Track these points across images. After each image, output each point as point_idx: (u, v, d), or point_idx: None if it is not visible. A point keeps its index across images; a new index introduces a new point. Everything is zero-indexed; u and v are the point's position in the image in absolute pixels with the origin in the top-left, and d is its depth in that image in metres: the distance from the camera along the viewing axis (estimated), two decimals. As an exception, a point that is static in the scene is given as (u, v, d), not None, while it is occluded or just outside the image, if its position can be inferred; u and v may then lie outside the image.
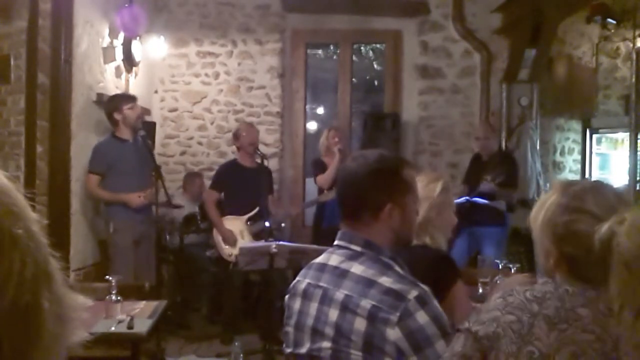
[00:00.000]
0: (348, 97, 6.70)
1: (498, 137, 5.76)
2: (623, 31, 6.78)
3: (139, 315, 2.99)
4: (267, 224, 4.94)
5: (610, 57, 7.03)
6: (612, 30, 6.78)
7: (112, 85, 5.23)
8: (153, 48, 5.92)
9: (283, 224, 5.37)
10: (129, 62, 5.48)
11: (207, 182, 5.77)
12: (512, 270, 2.96)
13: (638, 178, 6.47)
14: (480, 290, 2.86)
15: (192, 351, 4.65)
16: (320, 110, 10.56)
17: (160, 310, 3.16)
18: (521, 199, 5.53)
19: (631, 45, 6.64)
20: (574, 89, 6.61)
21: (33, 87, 4.26)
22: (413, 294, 1.52)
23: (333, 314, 1.60)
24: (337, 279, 1.63)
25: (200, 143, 6.49)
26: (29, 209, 0.59)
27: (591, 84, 6.91)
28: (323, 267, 1.70)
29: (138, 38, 5.53)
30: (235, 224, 5.03)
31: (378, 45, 8.24)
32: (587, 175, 6.99)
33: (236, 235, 5.00)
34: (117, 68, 5.35)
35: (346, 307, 1.58)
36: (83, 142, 4.66)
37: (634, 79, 6.37)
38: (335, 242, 1.72)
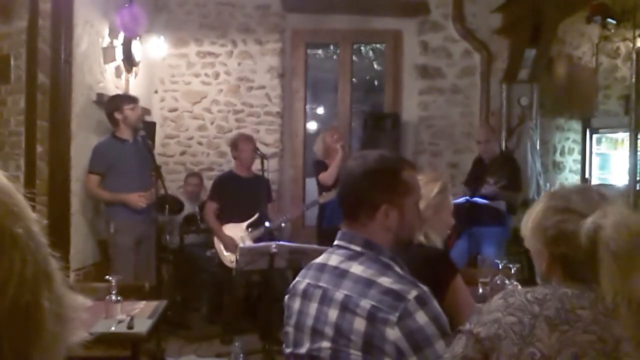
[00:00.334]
0: (348, 97, 6.70)
1: (499, 139, 5.75)
2: (623, 31, 6.78)
3: (139, 315, 2.99)
4: (267, 224, 4.94)
5: (610, 57, 7.03)
6: (612, 30, 6.78)
7: (112, 85, 5.23)
8: (153, 48, 5.92)
9: (283, 224, 5.37)
10: (129, 62, 5.48)
11: (207, 182, 5.77)
12: (512, 271, 2.96)
13: (638, 178, 6.47)
14: (480, 290, 2.86)
15: (192, 351, 4.65)
16: (320, 110, 10.57)
17: (160, 310, 3.16)
18: (521, 199, 5.53)
19: (631, 45, 6.63)
20: (574, 89, 6.62)
21: (33, 87, 4.26)
22: (413, 294, 1.52)
23: (333, 314, 1.60)
24: (337, 279, 1.64)
25: (200, 143, 6.49)
26: (29, 209, 0.59)
27: (591, 84, 6.91)
28: (323, 267, 1.70)
29: (138, 38, 5.53)
30: (235, 231, 5.05)
31: (378, 45, 8.24)
32: (587, 175, 6.99)
33: (237, 241, 5.00)
34: (117, 68, 5.35)
35: (346, 307, 1.58)
36: (83, 142, 4.65)
37: (634, 79, 6.36)
38: (335, 242, 1.73)
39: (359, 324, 1.54)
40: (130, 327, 2.80)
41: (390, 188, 1.66)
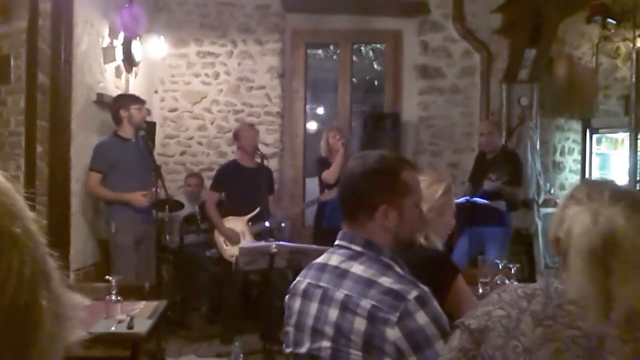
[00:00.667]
0: (348, 97, 6.70)
1: (501, 132, 5.76)
2: (623, 31, 6.78)
3: (139, 315, 2.99)
4: (267, 224, 4.94)
5: (610, 57, 7.03)
6: (612, 30, 6.78)
7: (112, 85, 5.23)
8: (153, 48, 5.92)
9: (283, 224, 5.37)
10: (129, 62, 5.48)
11: (207, 182, 5.77)
12: (512, 271, 2.96)
13: (638, 178, 6.47)
14: (480, 290, 2.86)
15: (192, 351, 4.65)
16: (320, 110, 10.57)
17: (160, 310, 3.15)
18: (522, 197, 5.54)
19: (631, 45, 6.64)
20: (574, 89, 6.62)
21: (33, 87, 4.26)
22: (413, 294, 1.53)
23: (333, 314, 1.60)
24: (337, 278, 1.64)
25: (200, 143, 6.49)
26: (27, 208, 0.59)
27: (591, 84, 6.91)
28: (323, 267, 1.70)
29: (138, 38, 5.53)
30: (236, 224, 5.04)
31: (378, 45, 8.25)
32: (587, 176, 6.99)
33: (238, 234, 5.01)
34: (117, 68, 5.35)
35: (346, 307, 1.58)
36: (83, 142, 4.66)
37: (634, 79, 6.37)
38: (336, 242, 1.73)
39: (359, 324, 1.54)
40: (130, 327, 2.79)
41: (389, 188, 1.66)
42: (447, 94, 6.34)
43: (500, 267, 3.08)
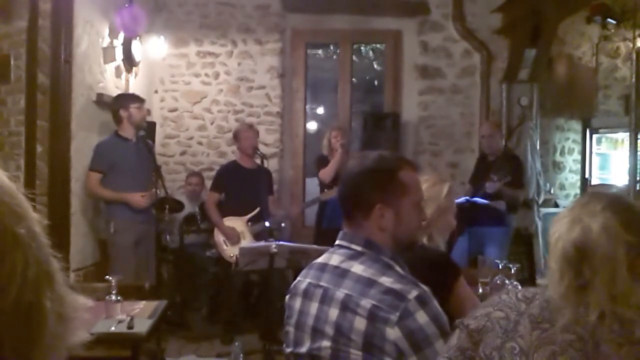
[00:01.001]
0: (348, 97, 6.70)
1: (503, 134, 5.76)
2: (623, 31, 6.79)
3: (139, 315, 2.99)
4: (267, 224, 4.94)
5: (610, 57, 7.03)
6: (612, 30, 6.79)
7: (112, 85, 5.23)
8: (153, 48, 5.92)
9: (283, 224, 5.37)
10: (129, 62, 5.48)
11: (208, 182, 5.77)
12: (512, 271, 2.96)
13: (638, 178, 6.48)
14: (480, 290, 2.86)
15: (192, 351, 4.65)
16: (320, 110, 10.58)
17: (160, 310, 3.16)
18: (523, 197, 5.54)
19: (631, 45, 6.64)
20: (574, 89, 6.62)
21: (33, 87, 4.26)
22: (413, 294, 1.53)
23: (333, 314, 1.60)
24: (338, 278, 1.64)
25: (200, 143, 6.50)
26: (31, 209, 0.59)
27: (591, 84, 6.91)
28: (324, 266, 1.70)
29: (138, 38, 5.53)
30: (236, 224, 5.04)
31: (378, 45, 8.25)
32: (587, 175, 7.00)
33: (238, 233, 5.01)
34: (117, 68, 5.35)
35: (346, 307, 1.58)
36: (83, 142, 4.66)
37: (634, 79, 6.37)
38: (337, 242, 1.73)
39: (360, 324, 1.54)
40: (130, 327, 2.80)
41: (385, 188, 1.66)
42: (447, 94, 6.34)
43: (500, 267, 3.08)
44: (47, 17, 4.29)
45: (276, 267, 4.07)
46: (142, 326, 2.85)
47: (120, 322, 2.84)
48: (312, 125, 9.09)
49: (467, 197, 5.05)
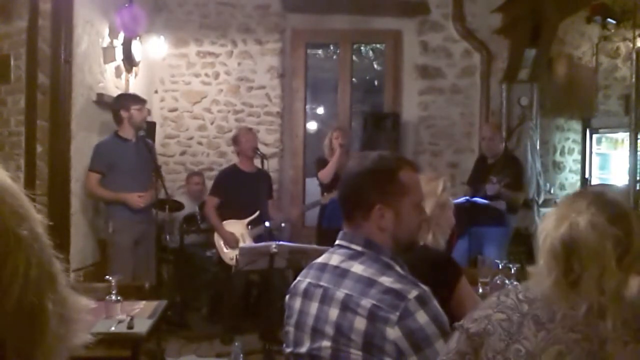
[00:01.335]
0: (348, 97, 6.70)
1: (503, 136, 5.76)
2: (623, 31, 6.79)
3: (139, 315, 2.99)
4: (267, 224, 4.94)
5: (610, 57, 7.03)
6: (612, 30, 6.79)
7: (112, 85, 5.23)
8: (153, 48, 5.92)
9: (283, 224, 5.38)
10: (129, 62, 5.48)
11: (208, 182, 5.77)
12: (512, 271, 2.97)
13: (638, 178, 6.48)
14: (480, 290, 2.86)
15: (192, 351, 4.65)
16: (320, 110, 10.58)
17: (160, 310, 3.15)
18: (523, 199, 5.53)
19: (631, 45, 6.64)
20: (574, 89, 6.62)
21: (33, 87, 4.26)
22: (413, 293, 1.53)
23: (333, 313, 1.60)
24: (338, 278, 1.64)
25: (200, 143, 6.49)
26: (34, 210, 0.59)
27: (591, 84, 6.91)
28: (324, 266, 1.70)
29: (138, 38, 5.53)
30: (235, 227, 5.04)
31: (378, 45, 8.25)
32: (587, 175, 7.00)
33: (237, 237, 5.01)
34: (117, 68, 5.35)
35: (346, 306, 1.58)
36: (83, 142, 4.66)
37: (634, 79, 6.36)
38: (337, 242, 1.73)
39: (360, 323, 1.54)
40: (130, 327, 2.80)
41: (384, 188, 1.66)
42: (447, 94, 6.34)
43: (500, 267, 3.08)
44: (47, 17, 4.29)
45: (276, 267, 4.07)
46: (142, 326, 2.85)
47: (120, 322, 2.84)
48: (312, 125, 9.09)
49: (467, 197, 5.05)
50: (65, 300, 0.59)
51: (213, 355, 4.56)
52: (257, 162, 5.17)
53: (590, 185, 6.92)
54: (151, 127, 5.62)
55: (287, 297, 1.79)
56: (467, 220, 4.91)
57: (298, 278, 1.79)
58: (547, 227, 1.37)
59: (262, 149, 5.47)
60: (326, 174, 5.22)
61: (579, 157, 6.96)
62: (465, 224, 4.92)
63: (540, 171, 6.03)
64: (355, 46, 7.56)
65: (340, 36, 6.66)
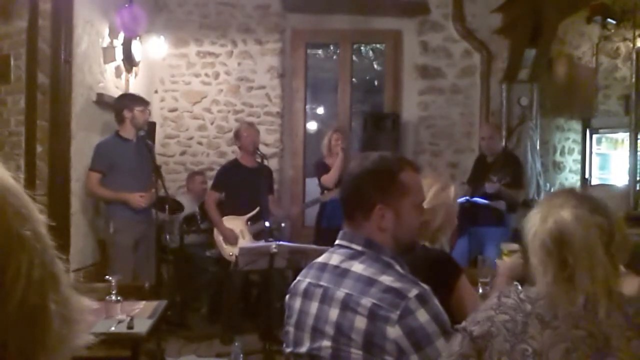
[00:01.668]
0: (348, 97, 6.70)
1: (502, 136, 5.76)
2: (623, 31, 6.79)
3: (139, 315, 2.99)
4: (267, 224, 4.94)
5: (610, 57, 7.03)
6: (612, 30, 6.79)
7: (112, 85, 5.23)
8: (153, 48, 5.92)
9: (283, 224, 5.37)
10: (129, 62, 5.48)
11: (209, 182, 5.77)
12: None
13: (638, 178, 6.48)
14: (480, 290, 2.86)
15: (192, 351, 4.65)
16: (320, 110, 10.58)
17: (160, 310, 3.15)
18: (523, 198, 5.53)
19: (631, 45, 6.65)
20: (574, 89, 6.62)
21: (33, 87, 4.26)
22: (413, 292, 1.53)
23: (333, 313, 1.60)
24: (338, 278, 1.64)
25: (200, 143, 6.49)
26: (37, 210, 0.59)
27: (591, 84, 6.91)
28: (324, 266, 1.70)
29: (138, 38, 5.53)
30: (235, 223, 5.04)
31: (378, 45, 8.25)
32: (587, 175, 7.00)
33: (237, 233, 5.01)
34: (117, 68, 5.35)
35: (347, 306, 1.58)
36: (83, 142, 4.66)
37: (634, 79, 6.37)
38: (337, 242, 1.73)
39: (360, 323, 1.54)
40: (130, 327, 2.80)
41: (385, 188, 1.66)
42: (447, 94, 6.34)
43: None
44: (47, 17, 4.29)
45: (276, 267, 4.08)
46: (142, 326, 2.85)
47: (120, 322, 2.84)
48: (312, 125, 9.08)
49: (467, 197, 5.05)
50: (68, 300, 0.59)
51: (213, 355, 4.56)
52: (258, 160, 5.17)
53: (591, 185, 6.92)
54: (151, 127, 5.62)
55: (287, 297, 1.79)
56: (467, 220, 4.91)
57: (298, 278, 1.79)
58: (534, 225, 1.39)
59: (262, 149, 5.47)
60: (330, 179, 5.22)
61: (579, 157, 6.96)
62: (465, 224, 4.93)
63: (540, 171, 6.03)
64: (355, 46, 7.56)
65: (340, 36, 6.66)
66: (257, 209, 4.97)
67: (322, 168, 5.35)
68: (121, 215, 4.51)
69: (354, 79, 7.39)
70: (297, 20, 6.49)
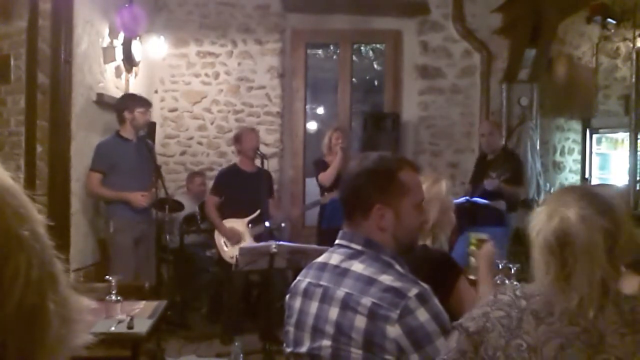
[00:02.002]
0: (348, 97, 6.70)
1: (502, 133, 5.76)
2: (623, 31, 6.79)
3: (139, 315, 2.99)
4: (267, 224, 4.94)
5: (610, 57, 7.03)
6: (612, 30, 6.79)
7: (112, 85, 5.23)
8: (153, 48, 5.92)
9: (283, 224, 5.37)
10: (129, 62, 5.48)
11: (209, 182, 5.77)
12: (512, 271, 2.96)
13: (638, 178, 6.48)
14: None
15: (192, 351, 4.65)
16: (320, 110, 10.58)
17: (160, 310, 3.15)
18: (523, 196, 5.54)
19: (631, 45, 6.64)
20: (574, 89, 6.62)
21: (33, 87, 4.26)
22: (413, 291, 1.53)
23: (333, 313, 1.60)
24: (338, 277, 1.64)
25: (200, 143, 6.49)
26: (35, 210, 0.59)
27: (591, 84, 6.91)
28: (324, 266, 1.70)
29: (138, 38, 5.53)
30: (236, 226, 5.04)
31: (378, 45, 8.26)
32: (587, 175, 7.00)
33: (239, 232, 5.01)
34: (117, 68, 5.35)
35: (347, 305, 1.58)
36: (83, 142, 4.66)
37: (634, 79, 6.37)
38: (337, 241, 1.73)
39: (360, 322, 1.54)
40: (130, 327, 2.80)
41: (384, 188, 1.66)
42: (447, 94, 6.34)
43: (500, 267, 3.08)
44: (47, 17, 4.29)
45: (276, 267, 4.07)
46: (142, 326, 2.85)
47: (120, 322, 2.85)
48: (312, 125, 9.09)
49: (467, 197, 5.05)
50: (67, 300, 0.59)
51: (213, 355, 4.56)
52: (257, 162, 5.17)
53: (591, 185, 6.93)
54: (151, 127, 5.62)
55: (287, 296, 1.79)
56: (467, 220, 4.90)
57: (298, 278, 1.79)
58: (539, 222, 1.39)
59: (262, 149, 5.47)
60: (327, 177, 5.22)
61: (579, 157, 6.96)
62: (465, 224, 4.92)
63: (540, 171, 6.03)
64: (355, 46, 7.56)
65: (340, 36, 6.66)
66: (258, 211, 4.98)
67: (321, 166, 5.35)
68: (121, 215, 4.51)
69: (354, 79, 7.39)
70: (297, 20, 6.49)
